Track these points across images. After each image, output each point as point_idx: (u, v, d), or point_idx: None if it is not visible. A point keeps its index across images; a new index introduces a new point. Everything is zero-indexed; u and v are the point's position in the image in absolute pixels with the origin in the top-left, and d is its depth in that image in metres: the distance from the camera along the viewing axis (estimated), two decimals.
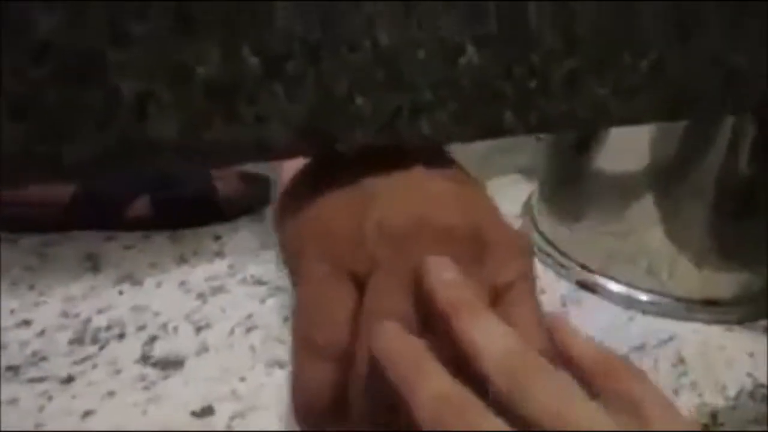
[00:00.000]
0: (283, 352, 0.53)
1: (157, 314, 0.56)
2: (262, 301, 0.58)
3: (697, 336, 0.58)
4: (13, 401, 0.47)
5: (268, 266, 0.62)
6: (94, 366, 0.51)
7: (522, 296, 0.26)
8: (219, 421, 0.46)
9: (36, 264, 0.62)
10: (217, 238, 0.67)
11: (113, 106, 0.22)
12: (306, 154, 0.26)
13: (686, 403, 0.50)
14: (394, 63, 0.25)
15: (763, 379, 0.53)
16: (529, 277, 0.26)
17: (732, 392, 0.51)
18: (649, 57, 0.30)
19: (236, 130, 0.24)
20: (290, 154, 0.26)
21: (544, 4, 0.27)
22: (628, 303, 0.61)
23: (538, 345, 0.24)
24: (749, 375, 0.54)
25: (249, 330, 0.55)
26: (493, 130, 0.28)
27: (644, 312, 0.60)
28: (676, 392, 0.51)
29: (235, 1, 0.22)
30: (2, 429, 0.45)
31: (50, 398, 0.48)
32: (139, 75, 0.22)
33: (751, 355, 0.56)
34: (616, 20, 0.29)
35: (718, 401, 0.51)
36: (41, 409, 0.47)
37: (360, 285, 0.25)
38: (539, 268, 0.66)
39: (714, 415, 0.49)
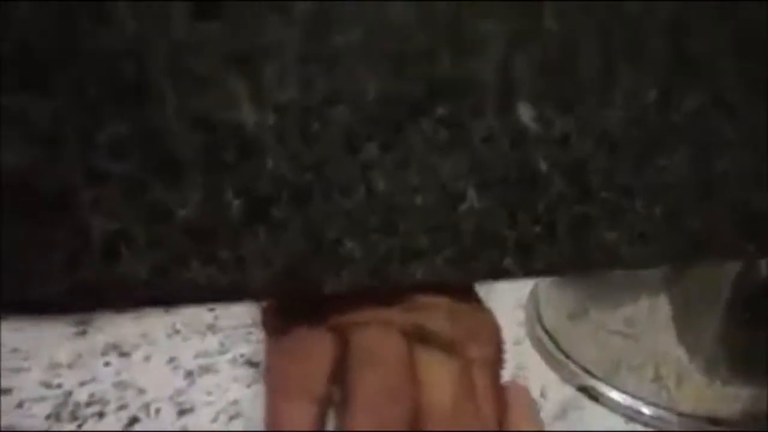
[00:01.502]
0: None
1: (141, 392, 0.54)
2: (249, 386, 0.56)
3: None
4: None
5: (259, 346, 0.60)
6: None
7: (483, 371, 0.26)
8: None
9: (25, 325, 0.61)
10: (211, 309, 0.66)
11: (83, 245, 0.21)
12: (287, 296, 0.25)
13: None
14: (390, 209, 0.24)
15: None
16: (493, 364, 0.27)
17: None
18: (663, 205, 0.28)
19: (213, 272, 0.23)
20: (270, 297, 0.24)
21: (553, 147, 0.26)
22: (631, 415, 0.58)
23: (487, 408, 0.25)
24: None
25: (232, 418, 0.52)
26: (492, 274, 0.27)
27: (647, 425, 0.58)
28: None
29: (221, 144, 0.21)
30: None
31: None
32: (113, 214, 0.21)
33: None
34: (630, 169, 0.27)
35: None
36: None
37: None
38: (541, 365, 0.64)
39: None
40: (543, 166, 0.26)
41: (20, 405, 0.52)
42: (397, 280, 0.25)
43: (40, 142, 0.20)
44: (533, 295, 0.72)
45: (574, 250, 0.28)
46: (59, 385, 0.55)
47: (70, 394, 0.54)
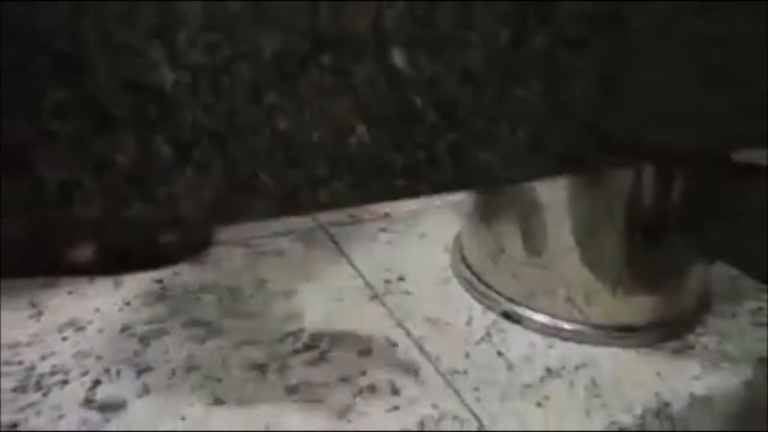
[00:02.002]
0: (223, 390, 0.56)
1: (99, 359, 0.59)
2: (201, 341, 0.61)
3: (611, 360, 0.63)
4: None
5: (207, 309, 0.65)
6: (38, 413, 0.53)
7: None
8: None
9: None
10: (158, 281, 0.70)
11: (39, 194, 0.26)
12: (216, 225, 0.30)
13: (597, 424, 0.55)
14: (292, 145, 0.29)
15: (668, 398, 0.58)
16: None
17: (638, 410, 0.56)
18: (524, 129, 0.34)
19: (152, 208, 0.27)
20: (200, 226, 0.29)
21: (424, 85, 0.31)
22: (549, 332, 0.66)
23: None
24: (656, 394, 0.58)
25: (189, 370, 0.57)
26: (387, 196, 0.32)
27: (563, 339, 0.65)
28: (587, 413, 0.55)
29: (148, 101, 0.26)
30: None
31: None
32: (64, 166, 0.26)
33: (659, 374, 0.61)
34: (492, 100, 0.33)
35: (626, 420, 0.55)
36: None
37: None
38: (467, 297, 0.70)
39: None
40: (418, 102, 0.31)
41: None
42: (307, 206, 0.30)
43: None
44: (457, 241, 0.79)
45: (454, 171, 0.34)
46: (21, 362, 0.58)
47: (32, 368, 0.57)
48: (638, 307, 0.67)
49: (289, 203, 0.30)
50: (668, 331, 0.67)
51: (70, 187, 0.26)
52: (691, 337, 0.67)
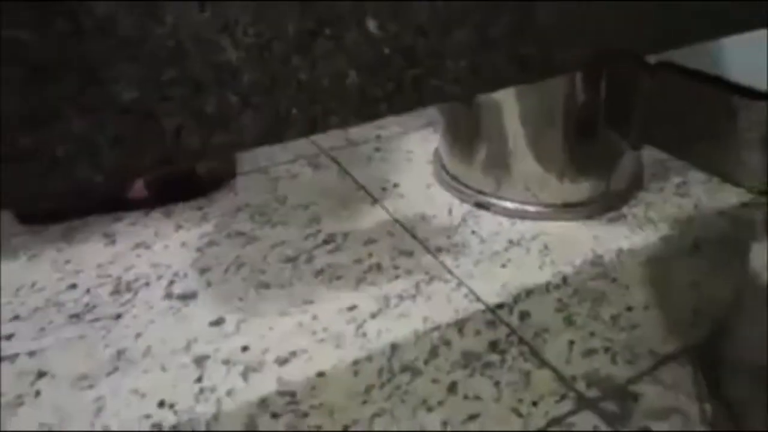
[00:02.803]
0: (267, 278, 0.74)
1: (168, 266, 0.77)
2: (243, 246, 0.79)
3: (559, 230, 0.81)
4: (82, 337, 0.68)
5: (244, 223, 0.83)
6: (133, 305, 0.71)
7: None
8: (229, 326, 0.67)
9: (65, 246, 0.82)
10: (200, 208, 0.87)
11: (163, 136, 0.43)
12: (270, 144, 0.47)
13: (547, 275, 0.73)
14: (310, 89, 0.46)
15: (600, 252, 0.76)
16: None
17: (578, 262, 0.75)
18: (465, 60, 0.51)
19: (229, 137, 0.45)
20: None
21: (392, 41, 0.48)
22: (512, 214, 0.84)
23: None
24: (592, 250, 0.77)
25: (239, 267, 0.76)
26: (373, 117, 0.49)
27: (522, 218, 0.83)
28: (540, 268, 0.74)
29: (223, 70, 0.43)
30: (78, 355, 0.65)
31: (108, 330, 0.68)
32: (178, 116, 0.43)
33: (596, 237, 0.79)
34: (438, 43, 0.49)
35: (568, 270, 0.74)
36: (104, 337, 0.67)
37: None
38: (447, 195, 0.88)
39: (564, 278, 0.72)
40: (387, 51, 0.48)
41: (88, 291, 0.74)
42: (323, 129, 0.47)
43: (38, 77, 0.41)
44: (436, 153, 0.96)
45: (415, 95, 0.50)
46: (110, 275, 0.76)
47: (120, 278, 0.76)
48: (581, 189, 0.85)
49: (311, 128, 0.47)
50: (605, 205, 0.85)
51: (180, 129, 0.43)
52: (624, 209, 0.86)
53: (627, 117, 0.86)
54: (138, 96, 0.38)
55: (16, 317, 0.70)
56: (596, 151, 0.85)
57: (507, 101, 0.82)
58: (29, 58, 0.30)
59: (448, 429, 0.55)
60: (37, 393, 0.60)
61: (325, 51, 0.46)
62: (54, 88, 0.31)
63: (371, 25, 0.48)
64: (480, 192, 0.86)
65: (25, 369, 0.63)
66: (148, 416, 0.57)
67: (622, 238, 0.79)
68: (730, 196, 0.87)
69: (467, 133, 0.88)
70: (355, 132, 1.07)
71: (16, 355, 0.65)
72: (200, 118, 0.44)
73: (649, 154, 0.96)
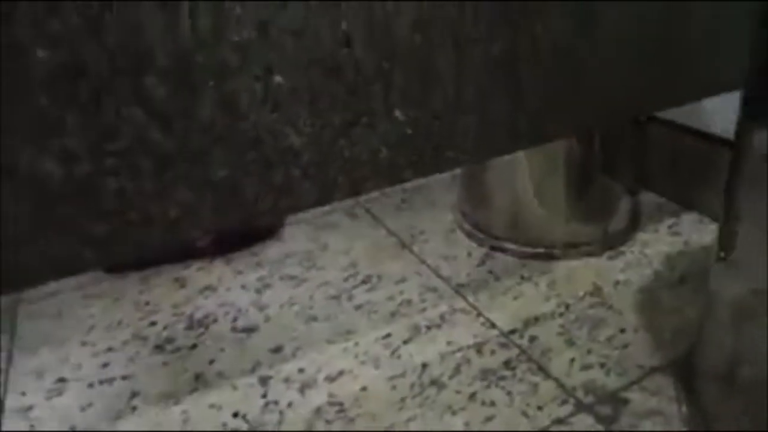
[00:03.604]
0: (315, 312, 0.88)
1: (232, 305, 0.91)
2: (294, 287, 0.93)
3: (564, 267, 0.94)
4: (165, 363, 0.82)
5: (293, 268, 0.98)
6: (206, 338, 0.85)
7: None
8: (287, 352, 0.81)
9: (145, 290, 0.97)
10: (255, 255, 1.02)
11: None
12: None
13: (552, 304, 0.86)
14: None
15: (600, 284, 0.89)
16: None
17: (580, 293, 0.87)
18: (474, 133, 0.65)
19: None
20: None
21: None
22: (523, 255, 0.97)
23: None
24: (592, 283, 0.90)
25: (291, 304, 0.90)
26: (415, 174, 0.64)
27: (532, 258, 0.96)
28: (547, 299, 0.87)
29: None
30: (156, 373, 0.79)
31: (186, 358, 0.82)
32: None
33: (597, 272, 0.92)
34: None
35: (571, 300, 0.86)
36: (183, 363, 0.81)
37: None
38: (467, 240, 1.02)
39: (567, 306, 0.85)
40: (409, 132, 0.62)
41: (166, 327, 0.88)
42: (352, 193, 0.62)
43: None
44: (457, 202, 1.10)
45: (434, 163, 0.65)
46: (183, 313, 0.91)
47: (192, 315, 0.90)
48: (583, 231, 0.98)
49: (353, 191, 0.61)
50: (605, 244, 0.98)
51: (258, 197, 0.58)
52: (623, 248, 0.98)
53: (621, 166, 0.99)
54: (228, 173, 0.51)
55: (109, 349, 0.84)
56: (595, 197, 0.99)
57: (515, 157, 0.96)
58: (158, 153, 0.44)
59: (470, 428, 0.68)
60: (134, 408, 0.74)
61: (363, 134, 0.59)
62: (171, 172, 0.45)
63: (397, 113, 0.61)
64: (495, 237, 1.00)
65: (120, 390, 0.77)
66: (224, 424, 0.71)
67: (618, 272, 0.92)
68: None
69: (482, 186, 1.02)
70: None
71: (113, 379, 0.79)
72: (272, 188, 0.56)
73: (648, 198, 1.09)
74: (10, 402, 0.76)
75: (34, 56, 0.37)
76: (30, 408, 0.75)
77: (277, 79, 0.48)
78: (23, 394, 0.77)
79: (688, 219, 1.04)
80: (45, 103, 0.38)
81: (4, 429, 0.72)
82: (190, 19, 0.42)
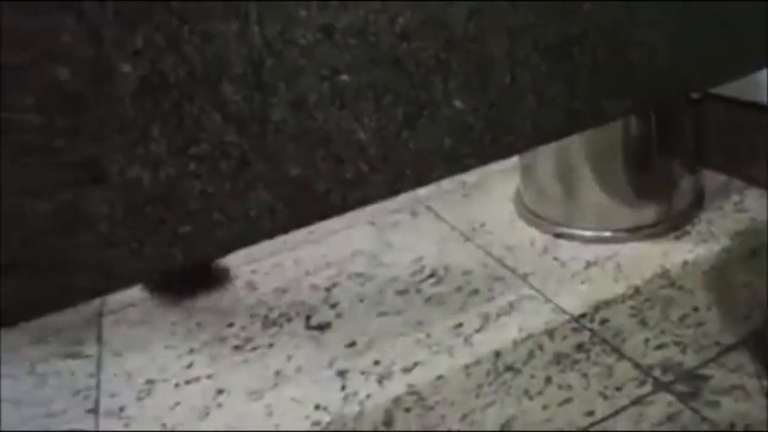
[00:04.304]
0: (385, 307, 0.90)
1: (303, 304, 0.94)
2: (363, 285, 0.95)
3: (630, 250, 0.94)
4: (246, 361, 0.85)
5: (363, 264, 1.00)
6: (282, 336, 0.88)
7: None
8: (360, 346, 0.83)
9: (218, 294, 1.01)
10: (323, 256, 1.05)
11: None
12: None
13: (621, 287, 0.86)
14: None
15: (668, 266, 0.89)
16: None
17: (648, 275, 0.87)
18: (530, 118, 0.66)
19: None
20: None
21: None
22: (586, 240, 0.97)
23: None
24: (660, 265, 0.89)
25: (361, 301, 0.92)
26: (476, 163, 0.65)
27: (596, 243, 0.96)
28: (615, 282, 0.87)
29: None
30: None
31: (265, 356, 0.85)
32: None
33: (664, 253, 0.92)
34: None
35: (639, 282, 0.86)
36: (263, 361, 0.84)
37: None
38: (529, 229, 1.02)
39: (637, 289, 0.85)
40: (470, 121, 0.64)
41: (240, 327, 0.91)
42: (419, 183, 0.63)
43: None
44: (517, 193, 1.11)
45: (494, 150, 0.66)
46: (258, 314, 0.94)
47: (266, 316, 0.93)
48: (646, 212, 0.98)
49: (419, 182, 0.63)
50: (670, 225, 0.97)
51: (329, 192, 0.60)
52: (688, 227, 0.97)
53: (679, 146, 0.99)
54: (301, 171, 0.53)
55: (191, 350, 0.88)
56: (655, 177, 0.98)
57: (573, 142, 0.96)
58: (236, 155, 0.47)
59: (548, 411, 0.68)
60: (219, 405, 0.78)
61: (426, 125, 0.60)
62: (249, 172, 0.48)
63: (457, 102, 0.62)
64: (556, 224, 1.00)
65: (206, 388, 0.81)
66: (307, 417, 0.74)
67: (686, 252, 0.91)
68: None
69: (541, 174, 1.02)
70: (444, 181, 1.23)
71: (198, 378, 0.83)
72: (342, 182, 0.58)
73: (711, 176, 1.08)
74: (104, 403, 0.80)
75: (119, 71, 0.40)
76: (122, 408, 0.79)
77: (343, 77, 0.50)
78: (114, 396, 0.81)
79: (753, 194, 1.02)
80: (132, 114, 0.41)
81: (101, 429, 0.77)
82: (258, 26, 0.44)
